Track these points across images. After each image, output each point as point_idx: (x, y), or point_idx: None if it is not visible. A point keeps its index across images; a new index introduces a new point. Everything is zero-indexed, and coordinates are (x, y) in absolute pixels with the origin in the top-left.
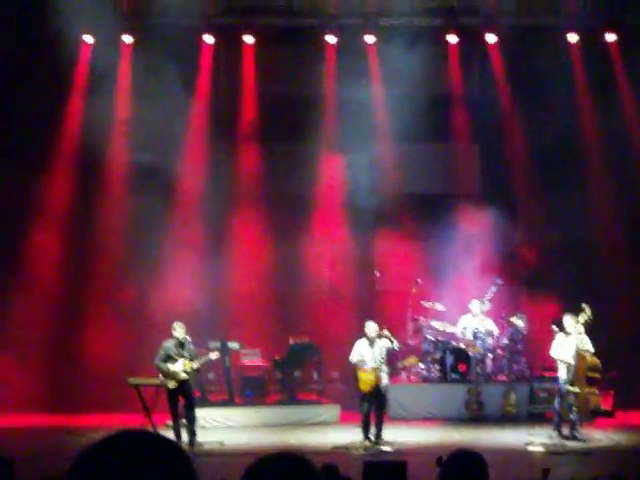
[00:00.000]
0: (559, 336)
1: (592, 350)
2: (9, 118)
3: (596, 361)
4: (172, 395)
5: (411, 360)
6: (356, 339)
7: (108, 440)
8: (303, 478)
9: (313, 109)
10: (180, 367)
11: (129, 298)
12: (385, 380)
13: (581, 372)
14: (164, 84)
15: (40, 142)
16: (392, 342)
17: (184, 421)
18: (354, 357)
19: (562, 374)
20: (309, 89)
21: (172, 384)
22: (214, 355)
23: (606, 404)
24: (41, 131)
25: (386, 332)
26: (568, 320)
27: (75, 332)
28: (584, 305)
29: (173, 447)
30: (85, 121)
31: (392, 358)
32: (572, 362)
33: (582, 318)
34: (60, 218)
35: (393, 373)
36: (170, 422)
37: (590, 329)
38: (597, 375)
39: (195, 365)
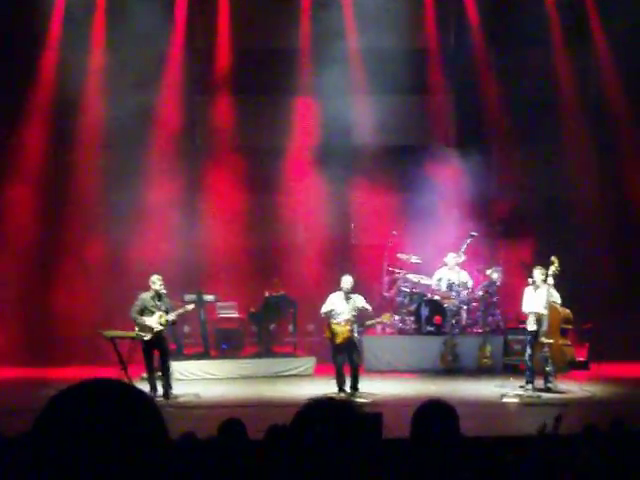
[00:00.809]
0: (528, 289)
1: (559, 301)
2: None
3: (568, 312)
4: (147, 347)
5: (385, 318)
6: (331, 292)
7: (75, 388)
8: (350, 422)
9: (288, 62)
10: (156, 320)
11: (104, 251)
12: (356, 334)
13: (555, 324)
14: (138, 36)
15: (14, 94)
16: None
17: (159, 374)
18: (324, 308)
19: (531, 327)
20: (284, 42)
21: (148, 336)
22: (190, 307)
23: (581, 356)
24: (15, 83)
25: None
26: (537, 273)
27: (50, 285)
28: (553, 258)
29: (141, 396)
30: (59, 73)
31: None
32: (544, 312)
33: (551, 270)
34: (34, 172)
35: (362, 331)
36: (145, 375)
37: (565, 281)
38: (569, 326)
39: (171, 317)
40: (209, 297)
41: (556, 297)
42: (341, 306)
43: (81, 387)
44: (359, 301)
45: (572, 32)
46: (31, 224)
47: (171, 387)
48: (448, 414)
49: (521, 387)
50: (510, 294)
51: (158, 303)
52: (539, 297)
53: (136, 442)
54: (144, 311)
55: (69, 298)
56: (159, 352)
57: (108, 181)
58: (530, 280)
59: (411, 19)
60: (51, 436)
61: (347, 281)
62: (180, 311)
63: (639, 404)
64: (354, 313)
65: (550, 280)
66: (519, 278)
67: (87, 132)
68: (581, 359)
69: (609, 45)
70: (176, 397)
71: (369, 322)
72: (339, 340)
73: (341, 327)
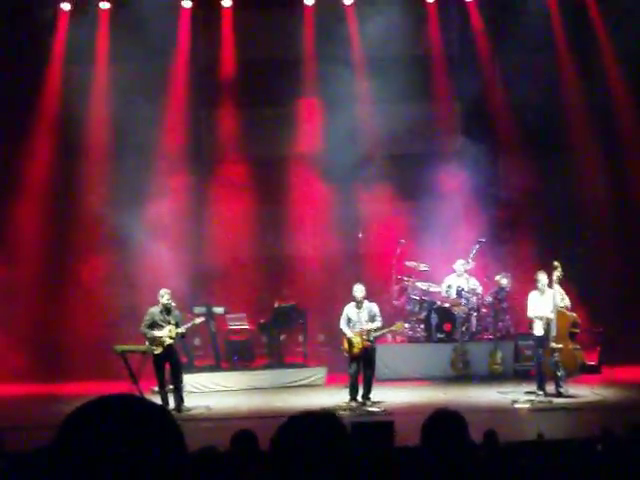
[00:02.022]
0: (533, 295)
1: (569, 305)
2: None
3: (575, 316)
4: (158, 361)
5: (397, 326)
6: (341, 301)
7: (93, 404)
8: (333, 434)
9: (293, 72)
10: (166, 333)
11: (112, 265)
12: (373, 343)
13: (564, 328)
14: (142, 49)
15: (19, 110)
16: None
17: (171, 387)
18: (342, 322)
19: (538, 331)
20: (288, 52)
21: (158, 350)
22: (199, 320)
23: (592, 359)
24: (21, 99)
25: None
26: (542, 277)
27: (58, 300)
28: (555, 263)
29: (160, 411)
30: (64, 87)
31: None
32: (552, 317)
33: (555, 275)
34: (40, 185)
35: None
36: (156, 388)
37: (576, 285)
38: (577, 330)
39: (180, 330)
40: (219, 309)
41: (567, 302)
42: (355, 316)
43: (98, 403)
44: (374, 309)
45: (576, 35)
46: (38, 238)
47: (183, 400)
48: (457, 423)
49: (528, 393)
50: (520, 300)
51: (167, 317)
52: (545, 301)
53: (156, 456)
54: (153, 325)
55: (77, 313)
56: (170, 366)
57: (114, 194)
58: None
59: (415, 26)
60: (71, 451)
61: (359, 290)
62: (189, 325)
63: None
64: (370, 323)
65: (556, 286)
66: (528, 283)
67: (93, 145)
68: (592, 363)
69: (614, 47)
70: (188, 410)
71: (382, 331)
72: (355, 350)
73: (355, 337)
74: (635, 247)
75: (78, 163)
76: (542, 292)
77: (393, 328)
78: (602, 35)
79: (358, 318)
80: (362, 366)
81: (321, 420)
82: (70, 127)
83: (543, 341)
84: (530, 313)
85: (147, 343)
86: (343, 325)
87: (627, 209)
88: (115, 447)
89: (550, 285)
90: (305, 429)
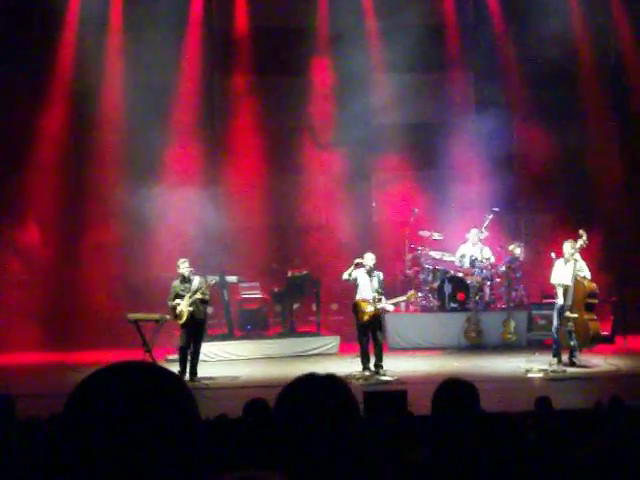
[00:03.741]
0: (558, 262)
1: (589, 276)
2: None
3: (594, 286)
4: (184, 330)
5: (410, 296)
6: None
7: (105, 371)
8: (337, 395)
9: (306, 41)
10: (186, 303)
11: (126, 235)
12: (389, 307)
13: (580, 298)
14: (156, 18)
15: (33, 80)
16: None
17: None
18: (345, 275)
19: (560, 300)
20: (302, 21)
21: (182, 320)
22: (212, 279)
23: (605, 329)
24: (34, 70)
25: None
26: (567, 246)
27: (71, 270)
28: (581, 231)
29: (172, 378)
30: (78, 61)
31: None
32: (569, 284)
33: (579, 244)
34: (53, 155)
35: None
36: (171, 357)
37: (589, 255)
38: (595, 301)
39: (198, 296)
40: (232, 278)
41: (586, 271)
42: (365, 283)
43: (111, 369)
44: (381, 277)
45: (591, 4)
46: (51, 209)
47: (196, 369)
48: (467, 392)
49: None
50: (533, 269)
51: (188, 286)
52: (567, 270)
53: (168, 423)
54: (177, 297)
55: (91, 282)
56: (194, 337)
57: (128, 164)
58: (553, 255)
59: None
60: (83, 418)
61: (370, 258)
62: (202, 287)
63: None
64: (379, 290)
65: (578, 255)
66: (542, 254)
67: (106, 115)
68: (606, 333)
69: (627, 18)
70: (201, 379)
71: (394, 300)
72: (365, 318)
73: (366, 305)
74: None
75: (91, 132)
76: (567, 261)
77: (406, 297)
78: (617, 3)
79: (370, 285)
80: (372, 334)
81: (327, 382)
82: (82, 97)
83: (562, 309)
84: (553, 279)
85: (171, 313)
86: (345, 276)
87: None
88: (127, 414)
89: (573, 253)
90: (312, 390)
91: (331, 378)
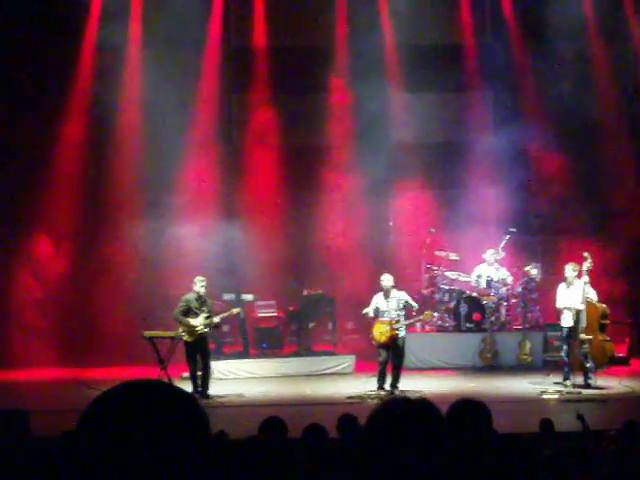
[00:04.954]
0: (561, 286)
1: (595, 298)
2: (21, 70)
3: (604, 307)
4: (190, 349)
5: (425, 316)
6: (370, 289)
7: (119, 389)
8: (428, 420)
9: (324, 60)
10: (201, 321)
11: (141, 251)
12: (402, 332)
13: (593, 320)
14: (174, 34)
15: (52, 94)
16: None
17: (199, 373)
18: (365, 310)
19: (566, 323)
20: (320, 40)
21: (190, 337)
22: (236, 310)
23: (621, 351)
24: (53, 84)
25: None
26: (569, 269)
27: (87, 286)
28: (585, 254)
29: (186, 398)
30: (98, 72)
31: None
32: (581, 308)
33: (585, 266)
34: (71, 165)
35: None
36: (186, 374)
37: (606, 276)
38: (607, 321)
39: (217, 320)
40: (248, 296)
41: (592, 294)
42: (384, 305)
43: (124, 387)
44: (403, 297)
45: (608, 25)
46: (67, 226)
47: (208, 388)
48: (480, 412)
49: (556, 383)
50: (549, 291)
51: (202, 304)
52: (573, 293)
53: (180, 441)
54: (188, 312)
55: (106, 299)
56: (200, 353)
57: (145, 179)
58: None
59: (447, 15)
60: (96, 435)
61: (387, 279)
62: (226, 314)
63: None
64: (399, 312)
65: (585, 277)
66: (559, 275)
67: (123, 132)
68: (621, 355)
69: None
70: (214, 397)
71: (410, 320)
72: (383, 339)
73: (383, 325)
74: None
75: (109, 146)
76: (569, 284)
77: (422, 317)
78: (633, 20)
79: (387, 307)
80: (391, 355)
81: (418, 405)
82: (102, 114)
83: (571, 332)
84: (558, 304)
85: (180, 330)
86: (365, 311)
87: None
88: (139, 433)
89: (580, 276)
90: (404, 412)
91: (424, 403)
